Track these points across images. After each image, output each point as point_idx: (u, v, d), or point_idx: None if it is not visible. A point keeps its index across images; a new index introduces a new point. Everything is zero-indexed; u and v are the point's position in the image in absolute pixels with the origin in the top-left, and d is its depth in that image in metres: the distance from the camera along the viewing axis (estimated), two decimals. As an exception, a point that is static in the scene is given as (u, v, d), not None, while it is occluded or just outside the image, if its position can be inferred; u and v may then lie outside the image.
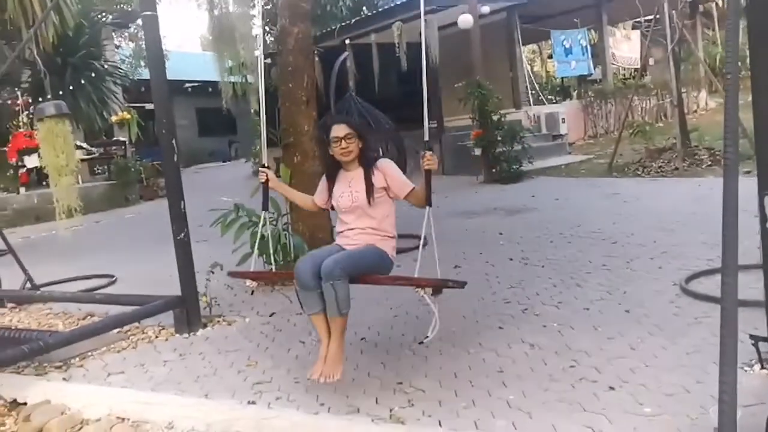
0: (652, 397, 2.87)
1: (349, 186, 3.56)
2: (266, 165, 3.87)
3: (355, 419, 2.98)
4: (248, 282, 3.97)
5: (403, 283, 3.51)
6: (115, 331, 4.63)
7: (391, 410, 3.03)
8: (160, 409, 3.31)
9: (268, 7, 17.19)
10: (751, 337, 3.05)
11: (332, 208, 3.74)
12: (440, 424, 2.85)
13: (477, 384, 3.23)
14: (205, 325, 4.73)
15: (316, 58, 7.29)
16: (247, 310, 5.07)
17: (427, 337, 3.31)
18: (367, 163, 3.57)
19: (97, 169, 15.20)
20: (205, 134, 27.60)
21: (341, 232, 3.62)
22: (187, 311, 4.65)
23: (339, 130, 3.51)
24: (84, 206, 5.77)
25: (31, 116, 11.81)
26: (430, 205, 3.34)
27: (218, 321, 4.84)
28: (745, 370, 2.97)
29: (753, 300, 3.70)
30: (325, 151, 3.62)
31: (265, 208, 3.94)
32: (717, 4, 20.25)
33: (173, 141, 4.58)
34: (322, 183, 3.74)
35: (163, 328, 4.74)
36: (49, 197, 5.44)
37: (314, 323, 3.38)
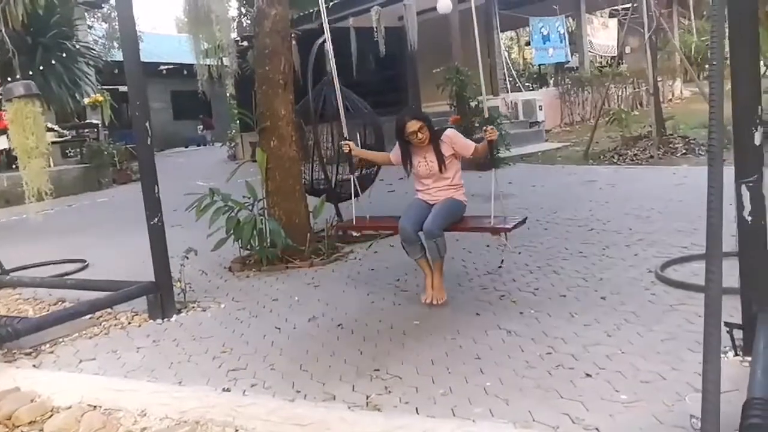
0: (629, 384, 2.88)
1: (424, 158, 4.40)
2: (348, 138, 4.75)
3: (331, 406, 2.96)
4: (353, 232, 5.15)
5: (481, 230, 4.58)
6: (87, 317, 4.55)
7: (367, 397, 3.01)
8: (132, 396, 3.26)
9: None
10: (726, 324, 3.07)
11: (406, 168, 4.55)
12: (417, 411, 2.83)
13: (454, 371, 3.22)
14: (179, 311, 4.66)
15: (294, 42, 7.16)
16: (223, 296, 5.02)
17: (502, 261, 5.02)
18: (435, 140, 4.37)
19: (70, 152, 14.92)
20: (181, 117, 27.24)
21: (422, 190, 4.50)
22: (161, 297, 4.58)
23: (413, 125, 4.32)
24: (55, 190, 5.62)
25: (-1, 97, 11.54)
26: (496, 168, 4.58)
27: (193, 307, 4.77)
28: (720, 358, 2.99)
29: (728, 287, 3.73)
30: (400, 137, 4.43)
31: (352, 171, 4.87)
32: (693, -7, 20.42)
33: (147, 123, 4.48)
34: (397, 150, 4.55)
35: (137, 314, 4.66)
36: (19, 180, 5.29)
37: (419, 264, 4.36)
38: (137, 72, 4.53)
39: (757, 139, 2.80)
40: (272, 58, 5.85)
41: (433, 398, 2.94)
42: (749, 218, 2.84)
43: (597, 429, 2.53)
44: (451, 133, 4.48)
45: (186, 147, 26.28)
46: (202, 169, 16.13)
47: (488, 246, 5.76)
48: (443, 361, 3.36)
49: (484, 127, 4.34)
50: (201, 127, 27.43)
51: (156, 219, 4.56)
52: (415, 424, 2.72)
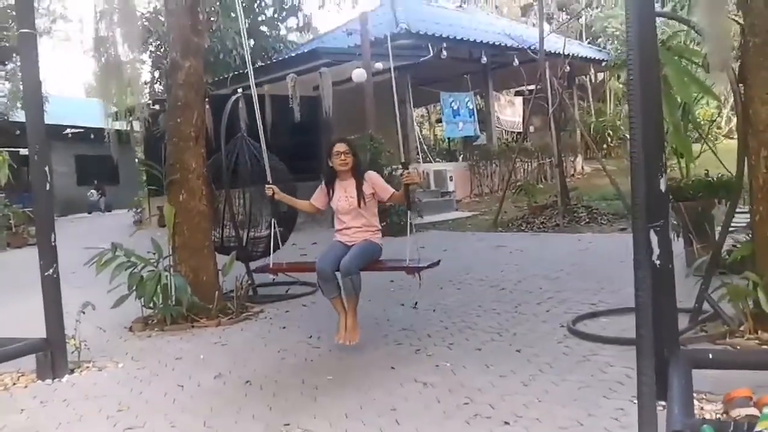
0: (547, 430, 2.83)
1: (345, 192, 4.52)
2: (270, 182, 4.72)
3: (237, 462, 2.74)
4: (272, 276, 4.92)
5: (397, 269, 4.57)
6: (-34, 377, 4.13)
7: (277, 452, 2.82)
8: (11, 459, 2.93)
9: (160, 52, 16.84)
10: (639, 369, 3.08)
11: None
12: (330, 465, 2.66)
13: (369, 423, 3.07)
14: (72, 371, 4.31)
15: (207, 106, 7.02)
16: (121, 355, 4.68)
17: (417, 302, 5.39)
18: (359, 174, 4.54)
19: (-40, 213, 14.02)
20: (85, 183, 26.16)
21: (340, 230, 4.58)
22: (52, 355, 4.22)
23: (340, 146, 4.52)
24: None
25: None
26: (410, 209, 4.53)
27: (87, 366, 4.43)
28: (634, 403, 2.98)
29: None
30: (325, 163, 4.61)
31: (275, 215, 4.96)
32: (590, 78, 21.84)
33: (46, 168, 4.22)
34: (321, 189, 4.65)
35: (23, 374, 4.27)
36: None
37: (333, 304, 4.39)
38: (37, 111, 4.32)
39: (663, 185, 2.89)
40: (185, 111, 5.72)
41: (347, 451, 2.78)
42: (658, 262, 2.90)
43: (517, 475, 2.44)
44: (373, 175, 4.66)
45: (89, 213, 25.17)
46: (106, 234, 15.40)
47: (403, 304, 5.69)
48: (357, 414, 3.21)
49: (401, 172, 4.45)
50: (94, 191, 25.97)
51: (51, 270, 4.25)
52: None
